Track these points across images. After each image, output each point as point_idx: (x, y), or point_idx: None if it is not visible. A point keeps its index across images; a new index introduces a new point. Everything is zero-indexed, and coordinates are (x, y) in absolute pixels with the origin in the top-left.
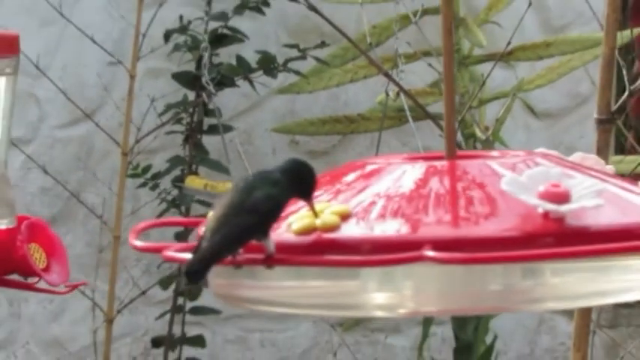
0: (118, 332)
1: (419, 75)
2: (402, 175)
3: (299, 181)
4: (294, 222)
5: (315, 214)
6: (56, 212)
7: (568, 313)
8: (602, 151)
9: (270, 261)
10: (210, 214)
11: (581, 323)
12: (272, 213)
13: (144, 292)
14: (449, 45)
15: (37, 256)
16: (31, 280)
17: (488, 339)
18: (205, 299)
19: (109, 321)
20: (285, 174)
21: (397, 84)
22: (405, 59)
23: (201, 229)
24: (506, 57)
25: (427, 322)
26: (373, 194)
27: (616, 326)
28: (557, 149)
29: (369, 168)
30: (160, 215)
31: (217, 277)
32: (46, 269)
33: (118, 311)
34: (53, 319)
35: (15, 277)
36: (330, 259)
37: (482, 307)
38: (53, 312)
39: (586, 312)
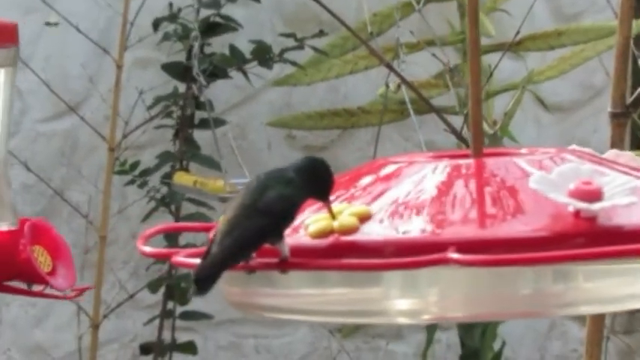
0: (104, 338)
1: (422, 66)
2: (426, 174)
3: (315, 181)
4: (310, 224)
5: (333, 216)
6: (39, 211)
7: (580, 318)
8: (616, 146)
9: (284, 265)
10: (222, 216)
11: (593, 329)
12: (286, 214)
13: (132, 296)
14: (474, 34)
15: (41, 259)
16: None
17: (496, 345)
18: (196, 303)
19: (95, 326)
20: (300, 173)
21: (399, 75)
22: (408, 49)
23: (212, 233)
24: (516, 47)
25: (431, 327)
26: (395, 195)
27: (631, 332)
28: (568, 144)
29: (390, 167)
30: (149, 215)
31: (231, 284)
32: (52, 273)
33: (105, 316)
34: (36, 325)
35: (13, 282)
36: (348, 262)
37: (511, 312)
38: (36, 317)
39: (599, 317)
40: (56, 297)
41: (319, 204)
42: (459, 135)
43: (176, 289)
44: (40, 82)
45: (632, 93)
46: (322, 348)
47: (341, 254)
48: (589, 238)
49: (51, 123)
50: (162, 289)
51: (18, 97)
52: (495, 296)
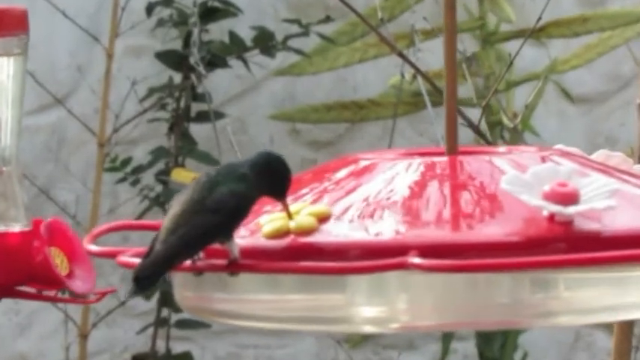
0: (93, 348)
1: (438, 55)
2: (396, 172)
3: (270, 178)
4: (265, 224)
5: (290, 216)
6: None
7: (607, 327)
8: None
9: (234, 267)
10: (168, 213)
11: (621, 338)
12: (237, 213)
13: (123, 303)
14: (451, 20)
15: (58, 261)
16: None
17: (517, 356)
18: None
19: (84, 335)
20: (254, 168)
21: (413, 65)
22: (422, 36)
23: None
24: (538, 34)
25: (447, 337)
26: (360, 194)
27: None
28: (595, 139)
29: (359, 165)
30: (142, 214)
31: (183, 288)
32: (69, 276)
33: (94, 324)
34: (19, 334)
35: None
36: (303, 265)
37: (486, 322)
38: (20, 325)
39: (627, 326)
40: (76, 301)
41: (275, 202)
42: (476, 128)
43: (171, 295)
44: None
45: None
46: (328, 359)
47: (297, 256)
48: (563, 244)
49: (36, 116)
50: (156, 296)
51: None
52: (469, 304)
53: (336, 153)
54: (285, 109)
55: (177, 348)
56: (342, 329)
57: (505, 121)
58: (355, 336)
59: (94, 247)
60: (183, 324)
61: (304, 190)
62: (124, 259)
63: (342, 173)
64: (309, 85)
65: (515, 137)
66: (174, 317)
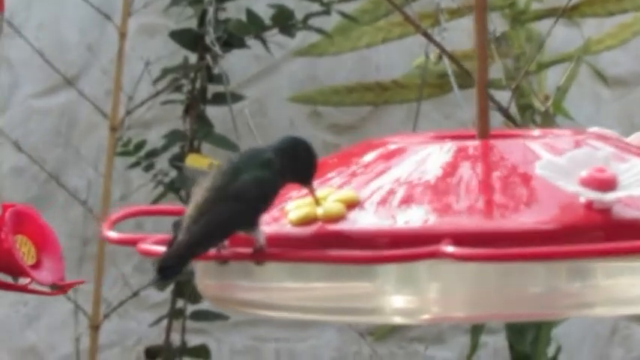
0: (105, 340)
1: (464, 34)
2: (426, 157)
3: (296, 163)
4: (291, 211)
5: (317, 202)
6: (31, 197)
7: None
8: None
9: (260, 256)
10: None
11: None
12: (262, 200)
13: (136, 293)
14: None
15: (25, 250)
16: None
17: (550, 351)
18: (210, 302)
19: (95, 327)
20: (280, 154)
21: (438, 45)
22: (448, 15)
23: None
24: (570, 12)
25: (476, 330)
26: (389, 179)
27: None
28: (631, 123)
29: (387, 148)
30: (156, 201)
31: (206, 276)
32: (36, 265)
33: (105, 316)
34: (28, 325)
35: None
36: (331, 254)
37: (520, 313)
38: (28, 316)
39: None
40: (40, 292)
41: (301, 188)
42: (505, 112)
43: (186, 285)
44: (33, 51)
45: None
46: (352, 353)
47: (325, 244)
48: (601, 232)
49: (45, 98)
50: (170, 286)
51: (8, 69)
52: (502, 295)
53: (359, 137)
54: (306, 91)
55: (193, 341)
56: (371, 320)
57: (536, 104)
58: (380, 329)
59: (113, 234)
60: (199, 315)
61: (330, 175)
62: (145, 247)
63: (370, 157)
64: (331, 65)
65: (547, 121)
66: (190, 309)
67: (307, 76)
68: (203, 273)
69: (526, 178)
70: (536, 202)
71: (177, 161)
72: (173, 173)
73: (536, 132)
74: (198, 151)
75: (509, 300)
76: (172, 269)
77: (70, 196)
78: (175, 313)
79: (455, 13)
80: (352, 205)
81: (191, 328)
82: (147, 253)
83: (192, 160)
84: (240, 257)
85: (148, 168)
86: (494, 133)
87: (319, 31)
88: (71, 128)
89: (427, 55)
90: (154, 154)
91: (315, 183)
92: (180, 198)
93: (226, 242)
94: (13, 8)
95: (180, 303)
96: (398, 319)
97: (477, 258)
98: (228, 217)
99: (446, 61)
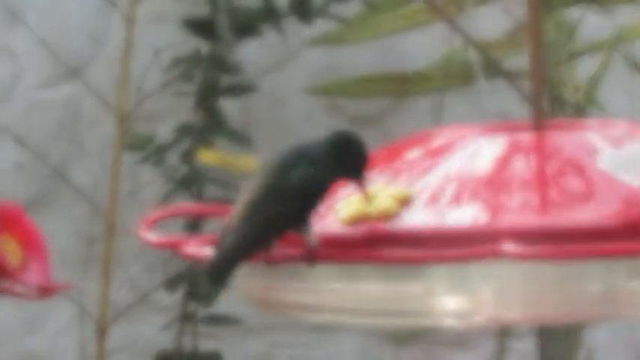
0: (112, 345)
1: (492, 22)
2: (478, 150)
3: (346, 158)
4: (341, 209)
5: (368, 199)
6: (35, 194)
7: None
8: None
9: (312, 257)
10: (238, 200)
11: None
12: (313, 198)
13: (145, 296)
14: None
15: (8, 248)
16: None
17: (581, 355)
18: (222, 305)
19: (102, 331)
20: (329, 149)
21: (463, 33)
22: (475, 2)
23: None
24: None
25: (503, 334)
26: (441, 175)
27: None
28: None
29: (437, 141)
30: (166, 198)
31: (249, 277)
32: (21, 267)
33: (113, 319)
34: (29, 330)
35: None
36: (386, 254)
37: (578, 313)
38: (30, 320)
39: None
40: (25, 295)
41: (352, 185)
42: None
43: (198, 287)
44: (36, 41)
45: None
46: (373, 359)
47: (377, 244)
48: None
49: (49, 89)
50: (181, 288)
51: (10, 59)
52: (559, 294)
53: (379, 130)
54: (324, 82)
55: (205, 346)
56: (422, 322)
57: (567, 95)
58: (403, 333)
59: (152, 237)
60: (211, 320)
61: (379, 171)
62: (190, 250)
63: (419, 152)
64: (351, 55)
65: (578, 113)
66: (202, 312)
67: (325, 66)
68: (247, 274)
69: (587, 172)
70: (598, 197)
71: (188, 156)
72: (184, 169)
73: (594, 122)
74: (210, 145)
75: (566, 299)
76: (223, 273)
77: (76, 193)
78: (187, 317)
79: (481, 1)
80: (404, 202)
81: (203, 333)
82: (193, 257)
83: (205, 155)
84: (292, 259)
85: (158, 163)
86: (549, 125)
87: (339, 18)
88: (76, 121)
89: (452, 45)
90: (163, 148)
91: (366, 179)
92: (191, 194)
93: (276, 242)
94: None
95: (191, 306)
96: (450, 322)
97: (540, 256)
98: (278, 216)
99: (472, 50)
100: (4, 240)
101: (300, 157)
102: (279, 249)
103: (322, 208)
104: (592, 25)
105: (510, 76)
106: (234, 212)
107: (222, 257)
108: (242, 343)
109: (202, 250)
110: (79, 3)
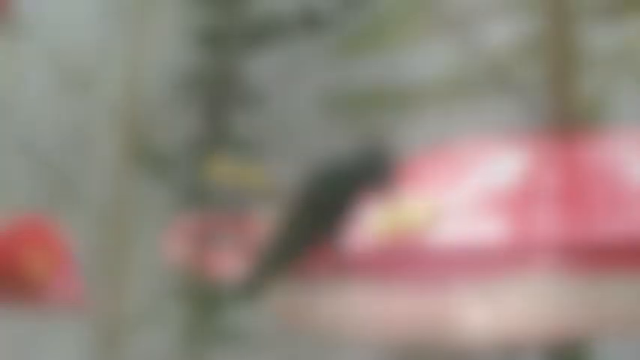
0: (122, 358)
1: (501, 32)
2: (507, 163)
3: (375, 172)
4: (372, 221)
5: (398, 213)
6: (43, 203)
7: None
8: None
9: (342, 270)
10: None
11: None
12: (342, 211)
13: (157, 309)
14: None
15: (40, 265)
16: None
17: None
18: (236, 319)
19: (112, 346)
20: (358, 162)
21: (473, 44)
22: (484, 14)
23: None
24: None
25: (512, 350)
26: (471, 187)
27: None
28: None
29: (463, 154)
30: (177, 209)
31: (279, 292)
32: (50, 280)
33: (124, 334)
34: (33, 344)
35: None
36: (417, 269)
37: (609, 328)
38: (35, 335)
39: None
40: (56, 308)
41: (381, 198)
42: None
43: (212, 300)
44: (45, 51)
45: None
46: None
47: (407, 258)
48: None
49: (57, 100)
50: (192, 301)
51: (19, 69)
52: (591, 309)
53: (389, 142)
54: (332, 95)
55: (215, 359)
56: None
57: (577, 105)
58: (413, 351)
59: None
60: (221, 332)
61: (409, 185)
62: (223, 263)
63: (446, 164)
64: (359, 67)
65: (589, 122)
66: (211, 326)
67: (334, 78)
68: (278, 290)
69: (615, 184)
70: (628, 209)
71: (196, 168)
72: (193, 181)
73: (620, 133)
74: (219, 157)
75: (597, 313)
76: (256, 287)
77: (84, 203)
78: (197, 330)
79: (491, 13)
80: (435, 215)
81: (213, 347)
82: (219, 270)
83: (214, 167)
84: (322, 272)
85: (166, 175)
86: (576, 137)
87: (347, 30)
88: (85, 130)
89: (460, 55)
90: (173, 159)
91: (396, 192)
92: (201, 205)
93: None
94: (23, 6)
95: (201, 319)
96: (479, 337)
97: (578, 269)
98: (309, 229)
99: (481, 61)
100: (34, 253)
101: (330, 170)
102: (310, 262)
103: (352, 222)
104: (601, 35)
105: (521, 88)
106: (265, 226)
107: (255, 271)
108: (256, 357)
109: (234, 264)
110: (89, 14)
